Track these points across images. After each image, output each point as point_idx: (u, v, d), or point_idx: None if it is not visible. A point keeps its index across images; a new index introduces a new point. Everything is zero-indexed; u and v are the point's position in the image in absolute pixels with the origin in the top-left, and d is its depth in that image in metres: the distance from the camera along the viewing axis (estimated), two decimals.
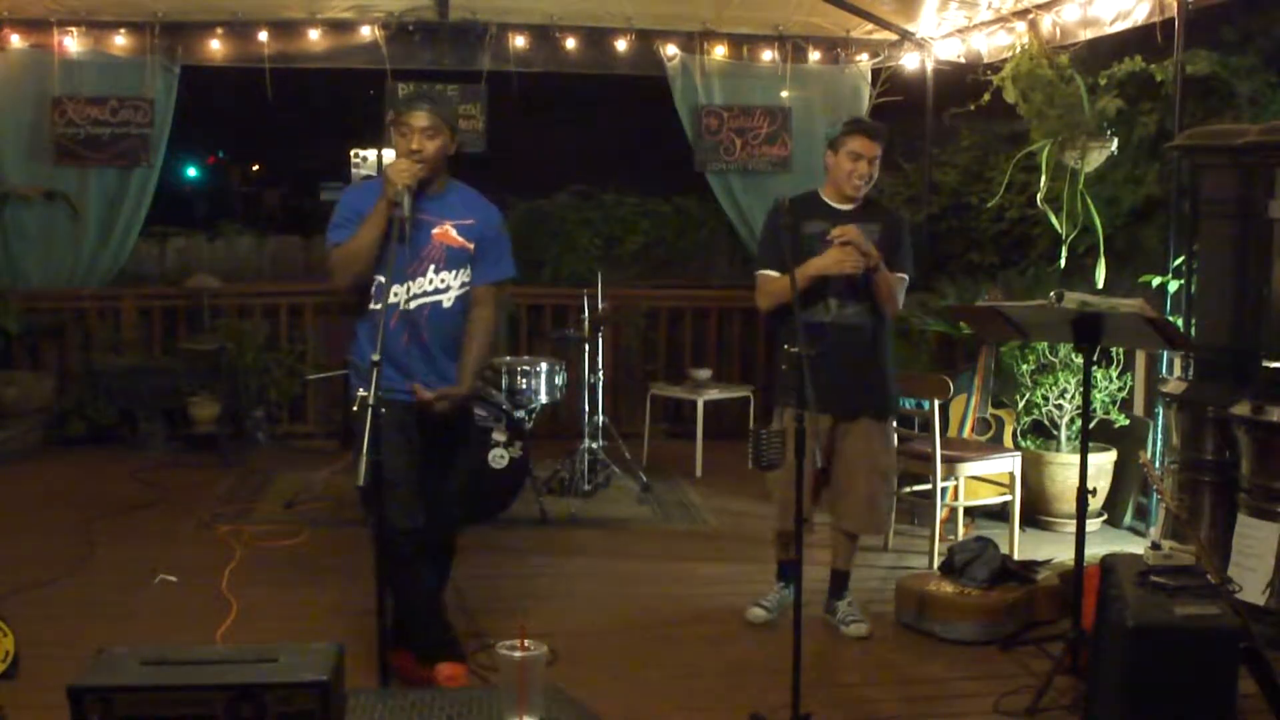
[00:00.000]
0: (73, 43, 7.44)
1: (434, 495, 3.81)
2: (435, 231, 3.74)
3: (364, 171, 7.94)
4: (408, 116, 3.69)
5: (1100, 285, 5.71)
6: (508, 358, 6.68)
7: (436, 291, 3.74)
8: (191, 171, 17.84)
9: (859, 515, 4.40)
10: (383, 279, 3.58)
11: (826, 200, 4.34)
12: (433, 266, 3.72)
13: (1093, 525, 5.66)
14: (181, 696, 1.91)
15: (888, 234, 4.28)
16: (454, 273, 3.76)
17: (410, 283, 3.69)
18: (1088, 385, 3.91)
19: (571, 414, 7.12)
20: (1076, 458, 4.18)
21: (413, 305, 3.71)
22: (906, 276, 4.32)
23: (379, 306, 3.52)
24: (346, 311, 3.84)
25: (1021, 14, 6.47)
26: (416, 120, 3.68)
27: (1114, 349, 5.73)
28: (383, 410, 3.28)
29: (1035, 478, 5.79)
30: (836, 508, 4.43)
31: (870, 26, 7.82)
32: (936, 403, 5.14)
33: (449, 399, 3.73)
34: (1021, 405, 5.95)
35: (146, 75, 7.54)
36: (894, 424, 4.72)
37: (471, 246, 3.79)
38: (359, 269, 3.67)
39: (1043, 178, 5.90)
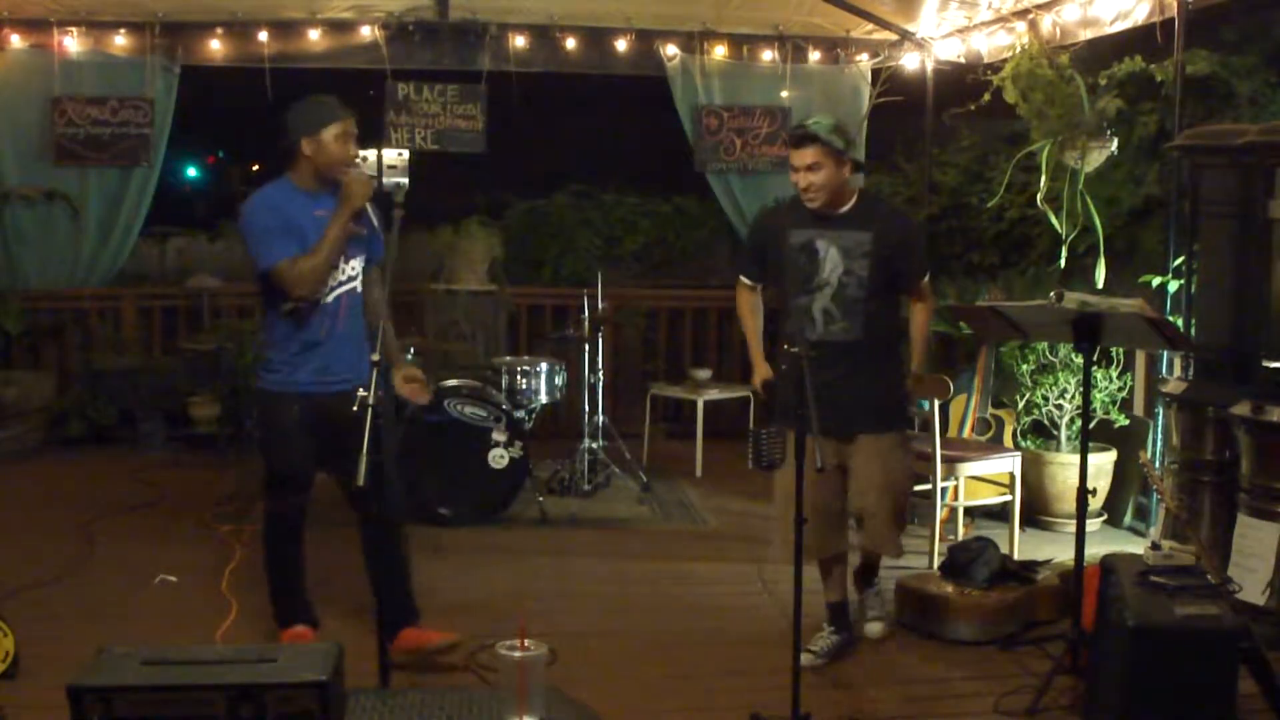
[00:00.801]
0: (73, 43, 7.44)
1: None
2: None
3: (364, 171, 7.92)
4: (349, 124, 3.90)
5: (1100, 285, 5.70)
6: (508, 358, 6.69)
7: (350, 280, 3.92)
8: (191, 171, 17.82)
9: (874, 535, 4.20)
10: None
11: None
12: (343, 257, 3.88)
13: (1093, 525, 5.66)
14: (181, 696, 1.91)
15: (880, 242, 4.00)
16: (359, 259, 3.95)
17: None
18: (1088, 385, 3.91)
19: (571, 414, 7.13)
20: (1076, 458, 4.18)
21: (330, 298, 3.87)
22: (923, 280, 4.15)
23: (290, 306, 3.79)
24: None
25: (1021, 14, 6.46)
26: (353, 128, 3.93)
27: (1114, 349, 5.73)
28: (295, 407, 3.83)
29: (1035, 478, 5.79)
30: (864, 529, 4.24)
31: (870, 26, 7.82)
32: (936, 403, 5.14)
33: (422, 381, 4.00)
34: (1021, 405, 5.95)
35: (146, 75, 7.54)
36: (905, 435, 4.33)
37: (364, 231, 3.96)
38: (326, 282, 3.84)
39: (1043, 178, 5.89)
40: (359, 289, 3.96)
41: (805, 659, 4.01)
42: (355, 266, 3.94)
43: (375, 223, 4.02)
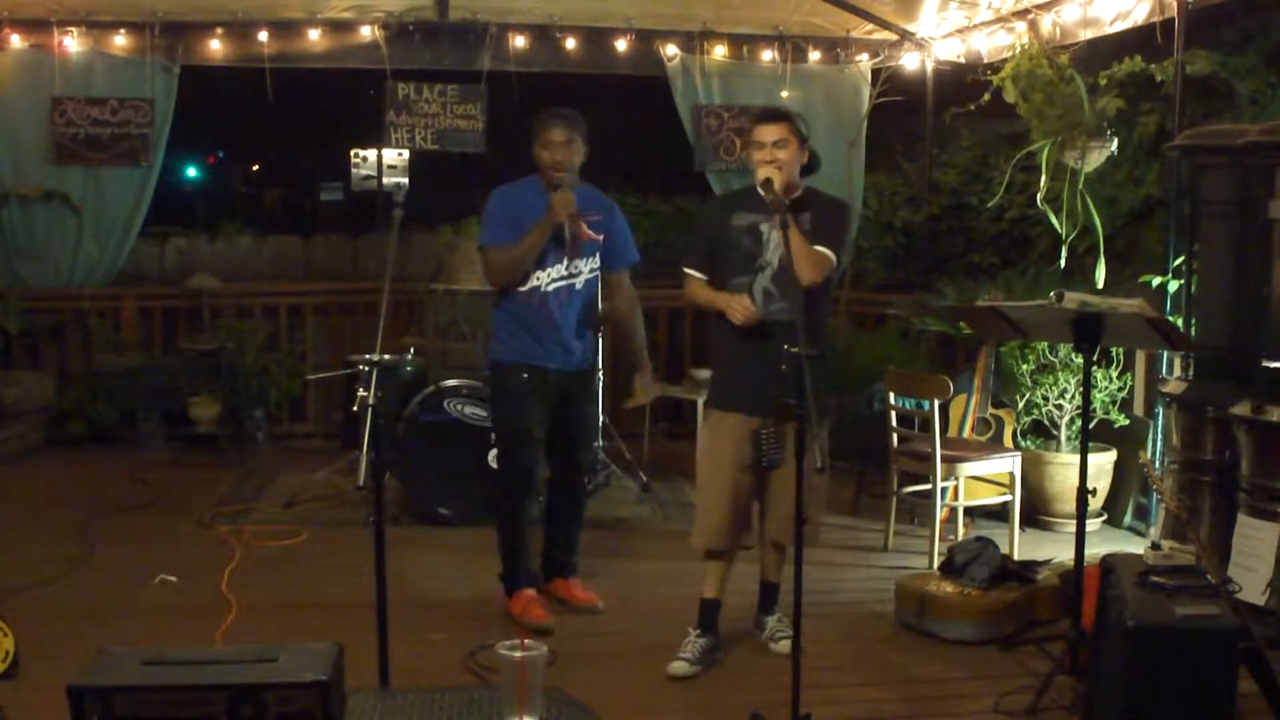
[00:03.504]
0: (73, 43, 7.43)
1: (569, 442, 4.62)
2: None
3: (364, 172, 7.90)
4: (549, 133, 4.32)
5: (1100, 285, 5.70)
6: None
7: (569, 276, 4.43)
8: (191, 171, 17.82)
9: (787, 526, 3.83)
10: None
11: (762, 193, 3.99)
12: (567, 256, 4.40)
13: (1093, 525, 5.65)
14: (181, 696, 1.91)
15: (816, 223, 4.03)
16: (585, 260, 4.46)
17: (551, 269, 4.39)
18: (1088, 385, 3.91)
19: None
20: (1076, 458, 4.18)
21: (550, 288, 4.40)
22: (829, 252, 3.98)
23: (525, 289, 4.37)
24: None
25: (1021, 14, 6.47)
26: (556, 135, 4.32)
27: (1114, 349, 5.73)
28: (524, 376, 4.38)
29: (1035, 478, 5.79)
30: (766, 517, 4.17)
31: (870, 26, 7.82)
32: (936, 403, 5.14)
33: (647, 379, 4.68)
34: (1021, 405, 5.95)
35: (146, 75, 7.53)
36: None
37: (600, 238, 4.47)
38: (520, 272, 4.36)
39: (1043, 178, 5.90)
40: (579, 286, 4.46)
41: (679, 668, 4.01)
42: (580, 266, 4.44)
43: (623, 233, 4.60)
